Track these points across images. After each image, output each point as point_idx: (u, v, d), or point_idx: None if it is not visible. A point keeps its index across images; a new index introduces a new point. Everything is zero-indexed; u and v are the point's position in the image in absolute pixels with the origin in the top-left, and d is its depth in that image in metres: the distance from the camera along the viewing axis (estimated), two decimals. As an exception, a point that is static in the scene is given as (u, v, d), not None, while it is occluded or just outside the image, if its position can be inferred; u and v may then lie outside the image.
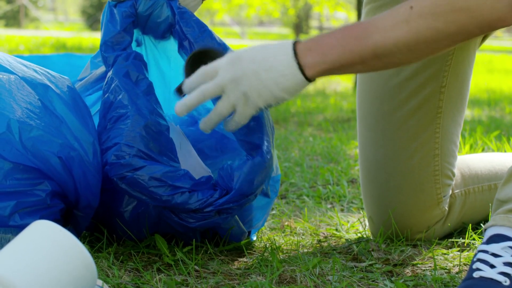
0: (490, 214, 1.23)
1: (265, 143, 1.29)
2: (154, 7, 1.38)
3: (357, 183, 2.09)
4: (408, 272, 1.32)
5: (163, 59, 1.48)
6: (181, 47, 1.38)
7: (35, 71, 1.27)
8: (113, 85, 1.30)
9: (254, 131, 1.29)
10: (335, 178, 2.11)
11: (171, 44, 1.45)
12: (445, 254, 1.42)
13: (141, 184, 1.24)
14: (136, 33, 1.42)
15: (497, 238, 1.10)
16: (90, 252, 0.99)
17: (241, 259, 1.36)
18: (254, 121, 1.28)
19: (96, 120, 1.37)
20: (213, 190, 1.28)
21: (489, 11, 1.04)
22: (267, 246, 1.42)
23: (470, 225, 1.53)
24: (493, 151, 2.47)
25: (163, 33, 1.42)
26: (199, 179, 1.28)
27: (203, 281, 1.22)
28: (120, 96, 1.29)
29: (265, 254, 1.37)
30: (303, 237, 1.53)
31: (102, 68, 1.40)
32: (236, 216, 1.37)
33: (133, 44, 1.43)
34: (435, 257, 1.36)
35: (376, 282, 1.25)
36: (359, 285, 1.23)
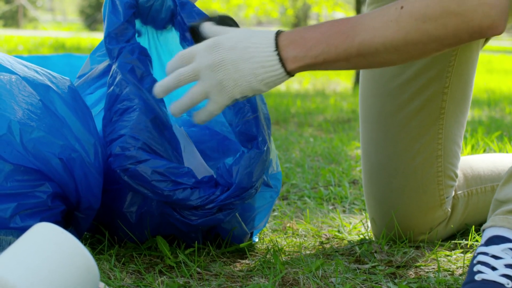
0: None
1: (261, 134, 1.28)
2: None
3: (359, 184, 2.08)
4: (411, 274, 1.31)
5: (165, 53, 1.47)
6: (183, 38, 1.37)
7: (36, 71, 1.26)
8: (118, 78, 1.30)
9: (249, 123, 1.28)
10: (336, 179, 2.10)
11: (173, 36, 1.45)
12: (448, 256, 1.41)
13: (144, 177, 1.24)
14: (137, 23, 1.41)
15: (497, 240, 1.09)
16: (91, 254, 0.98)
17: (243, 261, 1.35)
18: (250, 112, 1.28)
19: (97, 121, 1.36)
20: (214, 188, 1.27)
21: (482, 17, 1.03)
22: (269, 248, 1.41)
23: (473, 226, 1.53)
24: (495, 151, 2.46)
25: (165, 24, 1.41)
26: (201, 178, 1.27)
27: (206, 283, 1.21)
28: (127, 89, 1.28)
29: (268, 256, 1.36)
30: (305, 238, 1.52)
31: (103, 64, 1.39)
32: (238, 216, 1.36)
33: (135, 35, 1.42)
34: (438, 258, 1.35)
35: (380, 284, 1.24)
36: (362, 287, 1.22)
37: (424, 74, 1.43)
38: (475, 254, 1.09)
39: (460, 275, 1.30)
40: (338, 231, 1.57)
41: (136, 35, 1.42)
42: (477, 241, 1.48)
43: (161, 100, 1.31)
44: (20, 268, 0.92)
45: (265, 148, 1.29)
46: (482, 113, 4.09)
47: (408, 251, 1.42)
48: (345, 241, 1.51)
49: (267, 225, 1.60)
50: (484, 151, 2.51)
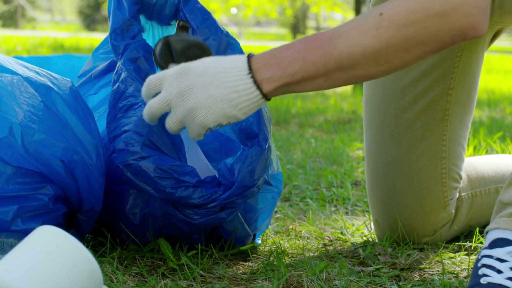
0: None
1: (262, 132, 1.28)
2: None
3: (361, 185, 2.07)
4: (415, 276, 1.30)
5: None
6: None
7: (37, 73, 1.25)
8: (123, 75, 1.29)
9: (251, 120, 1.28)
10: (338, 181, 2.10)
11: None
12: (452, 258, 1.40)
13: (146, 174, 1.23)
14: (141, 19, 1.40)
15: (501, 242, 1.08)
16: (94, 257, 0.97)
17: (246, 264, 1.34)
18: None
19: (99, 123, 1.35)
20: (217, 187, 1.27)
21: (463, 17, 1.01)
22: (273, 251, 1.40)
23: (477, 228, 1.52)
24: (497, 152, 2.45)
25: (169, 20, 1.40)
26: (204, 178, 1.27)
27: (209, 286, 1.20)
28: (133, 86, 1.28)
29: (271, 258, 1.35)
30: (308, 240, 1.51)
31: (105, 63, 1.39)
32: (240, 217, 1.36)
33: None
34: (443, 261, 1.35)
35: (384, 287, 1.23)
36: (367, 290, 1.21)
37: (429, 75, 1.42)
38: (479, 257, 1.09)
39: (465, 277, 1.29)
40: (341, 233, 1.56)
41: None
42: (481, 242, 1.47)
43: None
44: (22, 272, 0.91)
45: (266, 146, 1.28)
46: (482, 114, 4.08)
47: (412, 253, 1.41)
48: (348, 243, 1.50)
49: (270, 227, 1.59)
50: (487, 152, 2.50)
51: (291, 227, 1.60)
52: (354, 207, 1.84)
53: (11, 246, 1.16)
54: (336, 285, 1.22)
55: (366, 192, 1.83)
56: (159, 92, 1.13)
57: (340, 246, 1.49)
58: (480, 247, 1.46)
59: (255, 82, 1.07)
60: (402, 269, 1.33)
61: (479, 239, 1.48)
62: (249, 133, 1.28)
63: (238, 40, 1.39)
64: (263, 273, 1.27)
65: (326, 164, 2.40)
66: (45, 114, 1.20)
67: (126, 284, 1.19)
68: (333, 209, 1.81)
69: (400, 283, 1.25)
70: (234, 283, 1.23)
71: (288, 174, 2.15)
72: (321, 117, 3.87)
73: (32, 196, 1.18)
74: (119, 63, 1.31)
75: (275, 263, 1.32)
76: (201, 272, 1.26)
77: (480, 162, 1.59)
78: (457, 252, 1.45)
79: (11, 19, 21.86)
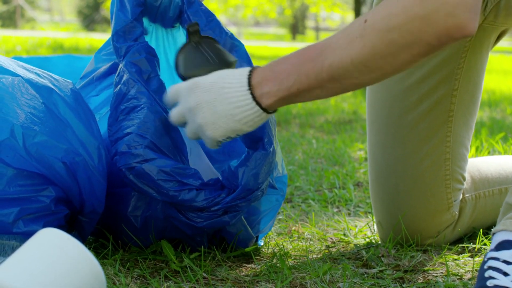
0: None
1: (266, 136, 1.27)
2: None
3: (363, 186, 2.06)
4: (419, 278, 1.29)
5: (172, 52, 1.45)
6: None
7: (38, 74, 1.24)
8: (125, 77, 1.28)
9: None
10: (340, 182, 2.09)
11: (180, 35, 1.43)
12: (456, 259, 1.39)
13: (149, 176, 1.22)
14: (144, 21, 1.40)
15: (507, 244, 1.07)
16: (96, 259, 0.96)
17: (249, 266, 1.33)
18: None
19: (101, 124, 1.35)
20: (220, 190, 1.26)
21: (445, 18, 0.99)
22: (276, 252, 1.39)
23: (481, 230, 1.51)
24: (499, 153, 2.45)
25: (173, 22, 1.39)
26: (208, 181, 1.26)
27: (212, 288, 1.19)
28: (135, 88, 1.27)
29: (274, 260, 1.35)
30: (311, 242, 1.50)
31: (107, 65, 1.38)
32: (243, 219, 1.35)
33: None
34: (447, 262, 1.34)
35: (388, 289, 1.22)
36: (371, 293, 1.21)
37: (433, 76, 1.41)
38: (485, 259, 1.08)
39: (469, 279, 1.28)
40: (344, 235, 1.55)
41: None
42: (485, 244, 1.46)
43: None
44: (25, 274, 0.91)
45: (271, 150, 1.27)
46: (483, 114, 4.08)
47: (415, 255, 1.41)
48: (351, 245, 1.49)
49: (272, 228, 1.58)
50: (489, 153, 2.49)
51: (293, 228, 1.59)
52: (356, 208, 1.83)
53: (13, 248, 1.16)
54: (340, 287, 1.21)
55: (369, 193, 1.83)
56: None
57: (343, 247, 1.48)
58: (484, 249, 1.45)
59: (254, 98, 1.11)
60: (405, 271, 1.33)
61: (482, 240, 1.47)
62: (254, 136, 1.27)
63: (238, 41, 1.39)
64: (266, 275, 1.27)
65: (328, 165, 2.39)
66: (46, 115, 1.19)
67: (128, 286, 1.18)
68: (335, 210, 1.81)
69: (404, 285, 1.25)
70: (237, 285, 1.22)
71: (290, 175, 2.14)
72: (321, 117, 3.87)
73: (33, 198, 1.18)
74: (121, 65, 1.30)
75: (278, 265, 1.31)
76: (204, 275, 1.25)
77: (483, 163, 1.58)
78: (461, 253, 1.44)
79: (10, 19, 21.86)
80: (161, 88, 1.29)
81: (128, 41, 1.31)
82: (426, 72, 1.41)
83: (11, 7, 21.54)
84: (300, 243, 1.48)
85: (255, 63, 1.32)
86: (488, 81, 6.88)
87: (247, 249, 1.38)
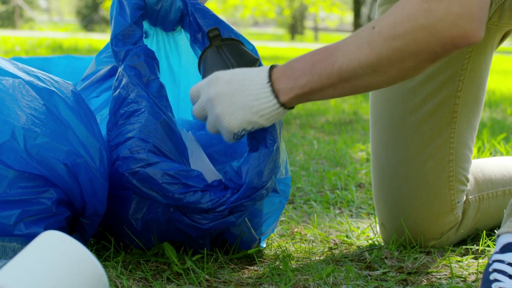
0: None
1: (270, 135, 1.26)
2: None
3: (365, 187, 2.06)
4: (423, 280, 1.29)
5: (174, 55, 1.45)
6: (194, 40, 1.35)
7: (38, 77, 1.24)
8: (124, 81, 1.27)
9: None
10: (342, 183, 2.08)
11: (182, 38, 1.42)
12: (459, 261, 1.39)
13: (154, 180, 1.21)
14: (145, 24, 1.39)
15: None
16: (99, 262, 0.96)
17: (252, 268, 1.33)
18: None
19: (102, 125, 1.34)
20: (225, 191, 1.25)
21: (449, 28, 1.01)
22: (278, 254, 1.38)
23: (485, 231, 1.51)
24: (501, 154, 2.44)
25: (174, 25, 1.38)
26: (212, 182, 1.25)
27: (215, 291, 1.18)
28: (134, 92, 1.26)
29: (277, 262, 1.34)
30: (314, 244, 1.50)
31: (108, 67, 1.37)
32: (247, 221, 1.34)
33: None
34: (450, 264, 1.33)
35: (392, 291, 1.22)
36: (375, 295, 1.20)
37: (437, 77, 1.41)
38: (490, 262, 1.07)
39: (473, 281, 1.28)
40: (347, 236, 1.55)
41: (143, 36, 1.39)
42: (488, 246, 1.46)
43: (168, 105, 1.28)
44: (27, 277, 0.90)
45: (274, 148, 1.26)
46: (484, 115, 4.07)
47: (418, 257, 1.40)
48: (354, 247, 1.49)
49: (274, 230, 1.57)
50: (491, 153, 2.49)
51: (296, 230, 1.58)
52: (358, 209, 1.82)
53: (14, 251, 1.15)
54: (344, 290, 1.21)
55: (371, 195, 1.82)
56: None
57: (345, 249, 1.47)
58: (488, 250, 1.44)
59: (273, 91, 1.14)
60: (409, 273, 1.32)
61: (486, 242, 1.47)
62: (257, 134, 1.26)
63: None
64: (269, 278, 1.26)
65: (329, 166, 2.38)
66: (47, 117, 1.18)
67: (131, 289, 1.17)
68: (337, 211, 1.80)
69: (408, 288, 1.24)
70: (240, 287, 1.22)
71: (291, 176, 2.13)
72: (322, 118, 3.86)
73: (35, 200, 1.17)
74: (119, 69, 1.29)
75: (281, 267, 1.30)
76: (207, 277, 1.24)
77: (487, 165, 1.57)
78: (465, 255, 1.43)
79: (9, 20, 21.86)
80: (161, 90, 1.28)
81: (127, 45, 1.30)
82: (430, 73, 1.41)
83: (10, 7, 21.54)
84: (302, 245, 1.47)
85: (255, 62, 1.32)
86: (488, 82, 6.89)
87: (249, 251, 1.37)
